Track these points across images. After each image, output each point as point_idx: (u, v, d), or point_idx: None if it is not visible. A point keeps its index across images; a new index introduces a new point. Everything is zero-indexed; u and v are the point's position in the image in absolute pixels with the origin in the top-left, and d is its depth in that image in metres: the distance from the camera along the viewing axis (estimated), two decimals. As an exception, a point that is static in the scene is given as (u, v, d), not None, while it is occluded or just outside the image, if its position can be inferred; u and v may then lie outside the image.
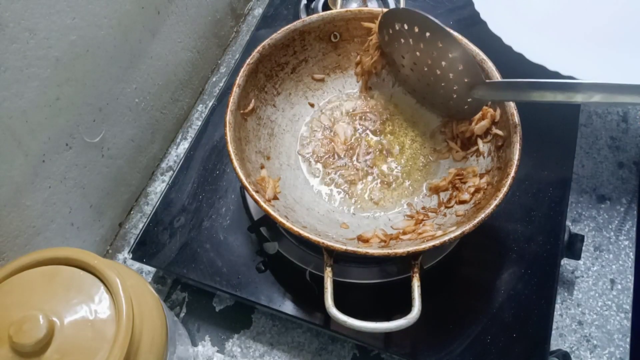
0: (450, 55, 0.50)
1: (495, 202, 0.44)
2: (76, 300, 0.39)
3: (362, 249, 0.43)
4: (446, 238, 0.43)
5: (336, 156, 0.57)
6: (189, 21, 0.69)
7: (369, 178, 0.56)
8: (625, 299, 0.58)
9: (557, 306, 0.57)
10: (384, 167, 0.57)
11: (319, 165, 0.57)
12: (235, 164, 0.47)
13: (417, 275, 0.44)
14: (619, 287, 0.59)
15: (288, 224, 0.44)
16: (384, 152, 0.58)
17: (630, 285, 0.59)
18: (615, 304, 0.58)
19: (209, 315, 0.59)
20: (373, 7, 0.58)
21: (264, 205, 0.45)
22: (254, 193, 0.46)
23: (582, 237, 0.57)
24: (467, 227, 0.43)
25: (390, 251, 0.43)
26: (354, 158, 0.57)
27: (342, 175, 0.56)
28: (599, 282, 0.59)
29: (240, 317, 0.59)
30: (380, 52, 0.58)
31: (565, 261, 0.60)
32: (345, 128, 0.59)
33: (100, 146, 0.58)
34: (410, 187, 0.56)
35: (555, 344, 0.56)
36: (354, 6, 0.71)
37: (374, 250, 0.43)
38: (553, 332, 0.52)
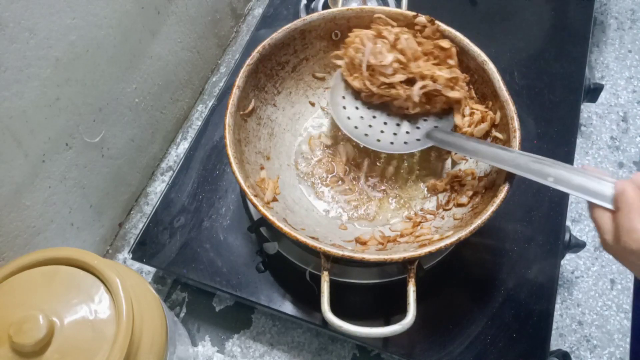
0: None
1: (492, 208, 0.44)
2: (76, 300, 0.39)
3: (359, 254, 0.43)
4: (442, 244, 0.43)
5: (338, 178, 0.57)
6: (189, 21, 0.69)
7: (372, 199, 0.56)
8: (625, 299, 0.58)
9: (557, 306, 0.57)
10: (386, 184, 0.57)
11: (321, 187, 0.57)
12: (235, 167, 0.47)
13: (413, 280, 0.44)
14: (619, 287, 0.59)
15: (286, 229, 0.44)
16: (387, 168, 0.58)
17: (630, 285, 0.59)
18: (615, 304, 0.58)
19: (209, 315, 0.59)
20: (373, 6, 0.58)
21: (262, 210, 0.45)
22: (252, 197, 0.46)
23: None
24: (463, 233, 0.43)
25: (386, 257, 0.43)
26: (357, 182, 0.57)
27: (347, 200, 0.56)
28: (599, 282, 0.59)
29: (240, 317, 0.59)
30: None
31: (565, 261, 0.60)
32: (347, 148, 0.59)
33: (100, 146, 0.58)
34: (410, 191, 0.56)
35: (555, 344, 0.56)
36: (354, 6, 0.71)
37: (370, 255, 0.43)
38: (553, 332, 0.52)
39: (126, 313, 0.38)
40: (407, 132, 0.55)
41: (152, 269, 0.62)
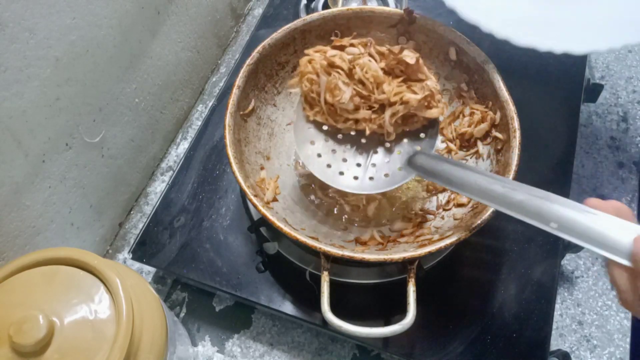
0: None
1: (492, 208, 0.44)
2: (76, 300, 0.39)
3: (359, 254, 0.43)
4: (442, 244, 0.43)
5: None
6: (189, 21, 0.69)
7: (372, 199, 0.56)
8: (625, 299, 0.58)
9: (557, 306, 0.57)
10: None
11: (321, 187, 0.57)
12: (235, 167, 0.47)
13: (413, 280, 0.44)
14: (619, 287, 0.59)
15: (286, 229, 0.44)
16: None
17: (630, 285, 0.59)
18: (615, 304, 0.58)
19: (209, 315, 0.59)
20: (373, 6, 0.58)
21: (262, 210, 0.45)
22: (252, 197, 0.46)
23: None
24: (463, 233, 0.43)
25: (386, 257, 0.43)
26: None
27: (347, 201, 0.56)
28: (599, 282, 0.59)
29: (240, 317, 0.59)
30: None
31: (565, 261, 0.60)
32: None
33: (100, 146, 0.58)
34: (410, 191, 0.56)
35: (555, 344, 0.56)
36: (354, 6, 0.71)
37: (370, 255, 0.43)
38: (553, 332, 0.52)
39: (126, 313, 0.38)
40: (387, 161, 0.50)
41: (152, 269, 0.62)
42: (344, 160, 0.50)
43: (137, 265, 0.61)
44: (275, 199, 0.52)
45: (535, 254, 0.56)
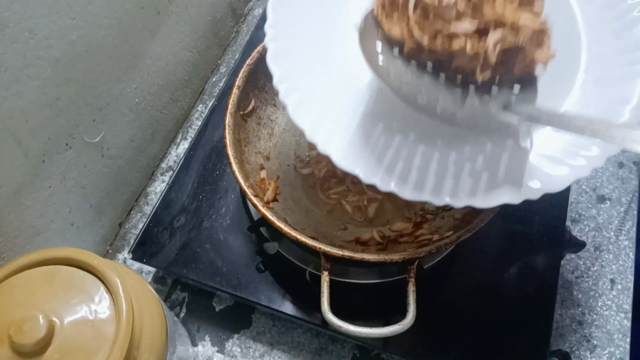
0: None
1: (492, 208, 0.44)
2: (76, 300, 0.39)
3: (359, 254, 0.43)
4: (442, 243, 0.43)
5: (338, 179, 0.57)
6: (189, 21, 0.69)
7: (372, 199, 0.55)
8: (625, 299, 0.58)
9: (557, 306, 0.57)
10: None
11: (321, 187, 0.57)
12: (235, 167, 0.47)
13: (413, 280, 0.44)
14: (619, 287, 0.59)
15: (286, 229, 0.44)
16: None
17: (630, 285, 0.59)
18: (615, 304, 0.58)
19: (209, 315, 0.59)
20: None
21: (262, 210, 0.45)
22: (252, 197, 0.46)
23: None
24: (463, 233, 0.43)
25: (386, 257, 0.43)
26: (357, 182, 0.56)
27: (347, 201, 0.56)
28: (599, 282, 0.59)
29: (240, 317, 0.59)
30: None
31: (565, 261, 0.60)
32: None
33: (100, 146, 0.58)
34: None
35: (555, 344, 0.56)
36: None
37: (370, 255, 0.43)
38: (553, 332, 0.52)
39: (126, 313, 0.38)
40: (476, 103, 0.36)
41: (152, 269, 0.62)
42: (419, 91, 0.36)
43: (137, 265, 0.61)
44: (275, 199, 0.52)
45: (535, 254, 0.56)
